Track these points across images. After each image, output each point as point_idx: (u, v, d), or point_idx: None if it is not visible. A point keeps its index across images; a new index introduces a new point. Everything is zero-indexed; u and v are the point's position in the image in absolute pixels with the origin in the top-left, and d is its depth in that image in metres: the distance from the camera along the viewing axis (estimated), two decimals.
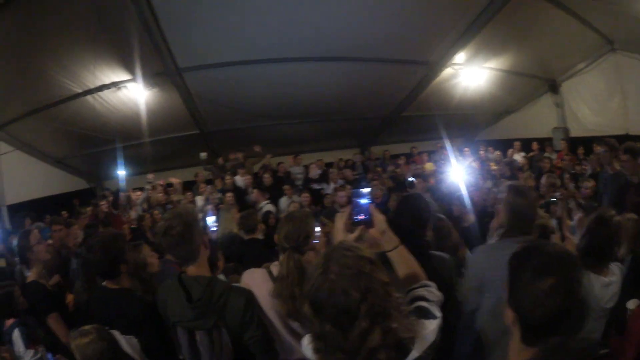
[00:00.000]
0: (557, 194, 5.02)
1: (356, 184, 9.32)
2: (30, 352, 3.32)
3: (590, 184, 6.02)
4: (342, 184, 8.82)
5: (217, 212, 6.63)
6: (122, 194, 8.94)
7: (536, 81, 11.10)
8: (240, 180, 9.16)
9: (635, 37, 8.58)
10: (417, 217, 2.54)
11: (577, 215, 4.16)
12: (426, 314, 1.53)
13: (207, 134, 11.04)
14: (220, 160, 10.25)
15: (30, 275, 3.30)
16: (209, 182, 9.57)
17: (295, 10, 7.09)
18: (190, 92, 9.00)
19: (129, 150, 9.89)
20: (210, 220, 5.20)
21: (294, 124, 11.26)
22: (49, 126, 8.35)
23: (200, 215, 7.31)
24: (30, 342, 3.35)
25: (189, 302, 2.11)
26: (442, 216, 3.89)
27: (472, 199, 5.86)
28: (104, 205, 7.89)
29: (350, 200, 1.92)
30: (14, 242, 3.48)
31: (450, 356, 2.50)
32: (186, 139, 10.92)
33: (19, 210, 8.41)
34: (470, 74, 9.99)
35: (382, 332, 1.30)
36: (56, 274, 3.98)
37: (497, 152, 10.85)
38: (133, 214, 8.12)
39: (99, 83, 7.91)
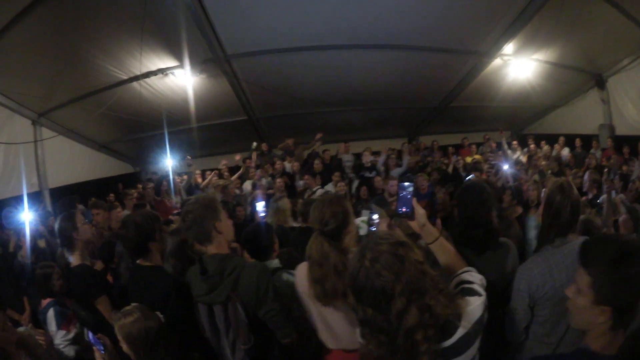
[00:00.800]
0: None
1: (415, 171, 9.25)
2: (62, 333, 3.38)
3: (635, 185, 6.00)
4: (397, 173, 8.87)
5: (266, 197, 6.59)
6: (164, 181, 8.94)
7: (583, 75, 10.71)
8: (288, 166, 9.28)
9: None
10: (482, 203, 2.50)
11: (622, 216, 3.89)
12: (470, 292, 1.59)
13: (256, 120, 11.12)
14: (264, 146, 10.40)
15: (75, 258, 3.22)
16: (258, 167, 9.64)
17: None
18: (238, 78, 8.99)
19: (175, 135, 10.01)
20: (260, 205, 5.04)
21: (343, 112, 11.25)
22: (94, 112, 8.43)
23: (248, 200, 7.27)
24: (64, 322, 3.43)
25: (202, 276, 2.27)
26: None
27: (519, 192, 5.82)
28: (150, 188, 7.95)
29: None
30: (56, 224, 3.39)
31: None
32: (235, 125, 11.02)
33: (62, 194, 8.52)
34: (519, 65, 9.74)
35: (419, 310, 1.37)
36: (99, 258, 3.94)
37: (547, 147, 10.71)
38: (176, 199, 8.09)
39: (145, 70, 7.91)
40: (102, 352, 2.30)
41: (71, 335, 3.39)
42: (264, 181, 8.59)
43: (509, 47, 8.97)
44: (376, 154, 10.37)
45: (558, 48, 9.20)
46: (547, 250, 2.31)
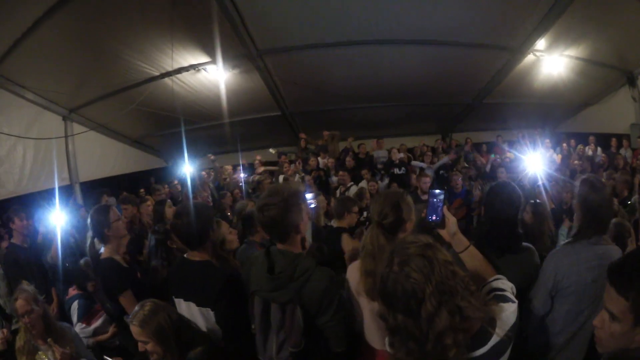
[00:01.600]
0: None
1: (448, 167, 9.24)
2: (81, 326, 3.51)
3: None
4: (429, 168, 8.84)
5: None
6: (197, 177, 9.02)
7: (615, 73, 10.33)
8: (322, 162, 9.26)
9: None
10: (510, 204, 2.41)
11: None
12: (503, 299, 1.58)
13: (289, 115, 11.12)
14: (302, 143, 10.41)
15: (105, 251, 3.20)
16: (292, 162, 9.66)
17: None
18: (271, 74, 8.99)
19: (208, 130, 10.14)
20: (309, 197, 4.94)
21: (375, 108, 11.18)
22: (125, 108, 8.52)
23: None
24: (85, 316, 3.56)
25: (270, 274, 2.10)
26: (539, 201, 3.88)
27: (551, 192, 5.71)
28: (178, 185, 7.97)
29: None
30: (87, 217, 3.42)
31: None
32: (267, 121, 11.06)
33: (93, 187, 8.67)
34: (551, 61, 9.54)
35: (449, 313, 1.35)
36: (128, 253, 3.91)
37: (580, 147, 10.45)
38: (204, 194, 8.13)
39: (177, 66, 7.96)
40: None
41: (90, 328, 3.52)
42: (296, 177, 8.55)
43: (541, 43, 8.78)
44: (410, 150, 10.26)
45: (589, 44, 8.97)
46: (581, 243, 2.31)
